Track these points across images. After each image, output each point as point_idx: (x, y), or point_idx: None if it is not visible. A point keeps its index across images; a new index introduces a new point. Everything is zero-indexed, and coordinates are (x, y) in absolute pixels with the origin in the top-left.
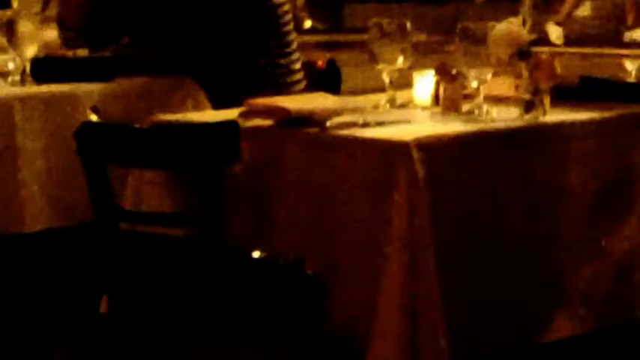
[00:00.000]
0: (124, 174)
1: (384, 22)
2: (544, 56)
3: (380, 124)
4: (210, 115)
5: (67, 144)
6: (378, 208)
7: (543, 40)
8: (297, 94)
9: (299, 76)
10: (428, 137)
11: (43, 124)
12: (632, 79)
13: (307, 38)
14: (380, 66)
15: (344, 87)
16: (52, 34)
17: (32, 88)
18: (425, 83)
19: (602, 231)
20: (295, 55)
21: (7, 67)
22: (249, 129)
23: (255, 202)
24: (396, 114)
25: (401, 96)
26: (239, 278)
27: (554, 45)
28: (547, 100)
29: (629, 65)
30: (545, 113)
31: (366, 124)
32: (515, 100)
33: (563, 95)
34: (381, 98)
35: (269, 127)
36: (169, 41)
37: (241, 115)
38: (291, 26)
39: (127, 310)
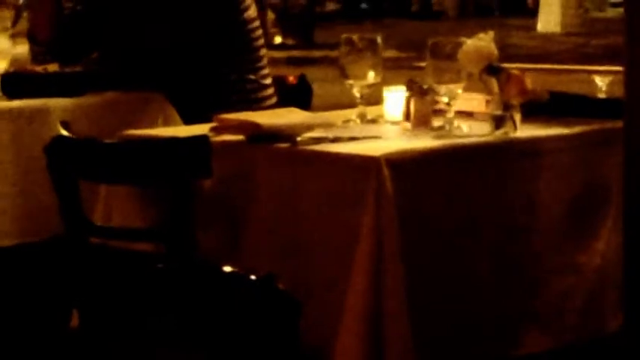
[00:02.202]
0: (94, 188)
1: (355, 37)
2: (514, 72)
3: (350, 139)
4: (181, 131)
5: (38, 159)
6: (348, 222)
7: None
8: (268, 110)
9: (270, 91)
10: (398, 153)
11: (14, 139)
12: (602, 94)
13: (277, 54)
14: (350, 81)
15: (315, 102)
16: (22, 49)
17: (2, 104)
18: (395, 99)
19: (574, 246)
20: (266, 71)
21: None
22: (219, 144)
23: (226, 217)
24: (366, 129)
25: (371, 111)
26: (210, 293)
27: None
28: (517, 116)
29: (599, 81)
30: (515, 129)
31: (336, 140)
32: (486, 116)
33: (534, 111)
34: (352, 114)
35: (240, 143)
36: (140, 56)
37: (212, 130)
38: (261, 41)
39: (97, 324)
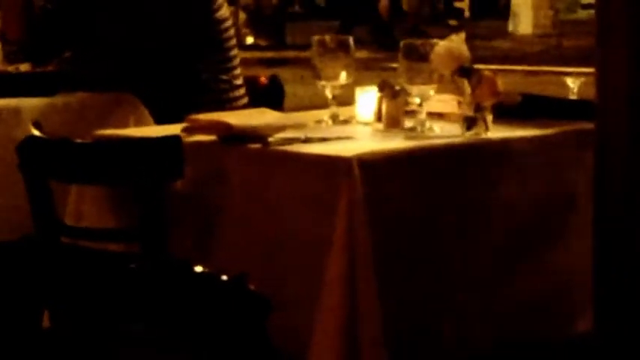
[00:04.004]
0: (66, 188)
1: (327, 38)
2: (486, 73)
3: (322, 140)
4: (153, 131)
5: (10, 158)
6: (320, 223)
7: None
8: (240, 110)
9: (241, 91)
10: (370, 153)
11: None
12: (573, 96)
13: (249, 54)
14: (322, 82)
15: (287, 103)
16: None
17: None
18: (367, 99)
19: (542, 247)
20: (238, 71)
21: None
22: (191, 144)
23: (198, 218)
24: (338, 130)
25: (343, 112)
26: (180, 293)
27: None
28: (489, 117)
29: (571, 83)
30: (487, 130)
31: (308, 140)
32: (458, 117)
33: (506, 112)
34: (324, 114)
35: (212, 143)
36: (111, 56)
37: (184, 130)
38: (233, 41)
39: (69, 324)
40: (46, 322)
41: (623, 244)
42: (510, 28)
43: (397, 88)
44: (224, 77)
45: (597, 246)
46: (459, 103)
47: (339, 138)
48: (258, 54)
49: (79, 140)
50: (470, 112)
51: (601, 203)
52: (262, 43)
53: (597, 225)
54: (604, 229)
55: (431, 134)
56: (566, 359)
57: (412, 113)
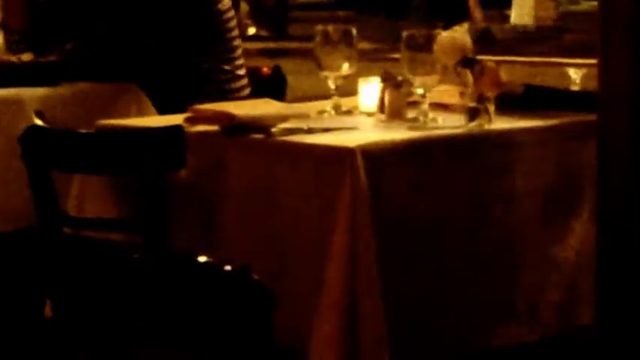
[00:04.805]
0: (68, 179)
1: (330, 29)
2: (489, 64)
3: (325, 130)
4: (156, 121)
5: (12, 148)
6: (323, 213)
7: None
8: (243, 100)
9: (244, 82)
10: (373, 144)
11: None
12: (576, 87)
13: (251, 45)
14: (325, 73)
15: (289, 94)
16: None
17: None
18: (370, 90)
19: (547, 239)
20: (240, 61)
21: None
22: (194, 135)
23: (201, 208)
24: (341, 121)
25: (346, 103)
26: (184, 284)
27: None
28: (492, 108)
29: (573, 74)
30: (490, 121)
31: (311, 131)
32: (460, 108)
33: (508, 103)
34: (327, 105)
35: (214, 133)
36: (114, 46)
37: (187, 120)
38: (236, 32)
39: (70, 314)
40: (48, 312)
41: (624, 240)
42: (512, 18)
43: (400, 78)
44: (227, 68)
45: (600, 237)
46: (462, 93)
47: (341, 128)
48: (260, 45)
49: (81, 130)
50: (473, 103)
51: (604, 194)
52: (264, 34)
53: (600, 215)
54: (607, 219)
55: (433, 125)
56: (567, 353)
57: (415, 104)
